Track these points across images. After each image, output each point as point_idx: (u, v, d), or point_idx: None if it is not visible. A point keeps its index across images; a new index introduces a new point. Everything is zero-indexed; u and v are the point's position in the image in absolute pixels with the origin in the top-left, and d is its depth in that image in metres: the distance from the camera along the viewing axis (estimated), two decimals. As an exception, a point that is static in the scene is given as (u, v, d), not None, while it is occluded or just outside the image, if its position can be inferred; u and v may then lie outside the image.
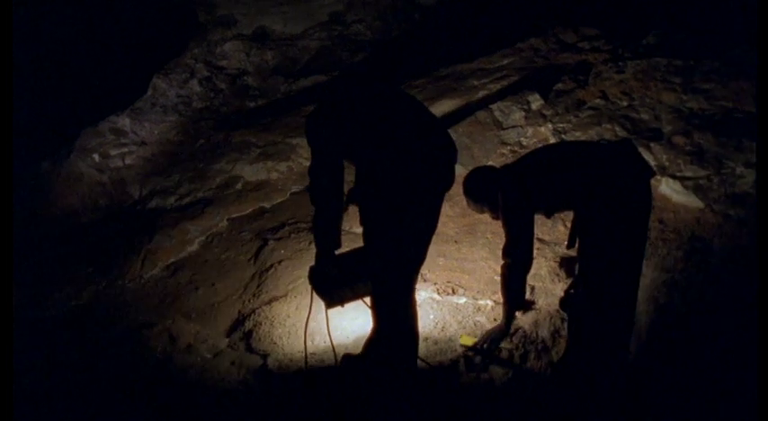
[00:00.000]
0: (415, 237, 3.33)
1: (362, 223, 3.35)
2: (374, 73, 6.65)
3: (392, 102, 3.39)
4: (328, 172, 3.28)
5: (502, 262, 3.59)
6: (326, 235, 3.40)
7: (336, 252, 3.47)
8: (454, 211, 5.00)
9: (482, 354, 3.74)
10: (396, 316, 3.40)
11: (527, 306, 3.94)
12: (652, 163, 4.57)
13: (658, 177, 4.48)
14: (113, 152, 6.12)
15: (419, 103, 3.47)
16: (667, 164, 4.57)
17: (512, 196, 3.48)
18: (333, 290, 3.44)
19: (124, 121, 6.30)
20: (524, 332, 3.87)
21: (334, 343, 3.72)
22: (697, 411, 3.14)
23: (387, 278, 3.35)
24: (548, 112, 5.40)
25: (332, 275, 3.43)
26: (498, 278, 3.69)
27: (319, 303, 3.52)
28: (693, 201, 4.33)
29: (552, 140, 5.16)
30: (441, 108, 5.87)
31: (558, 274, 4.31)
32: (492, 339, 3.76)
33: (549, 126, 5.28)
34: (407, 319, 3.43)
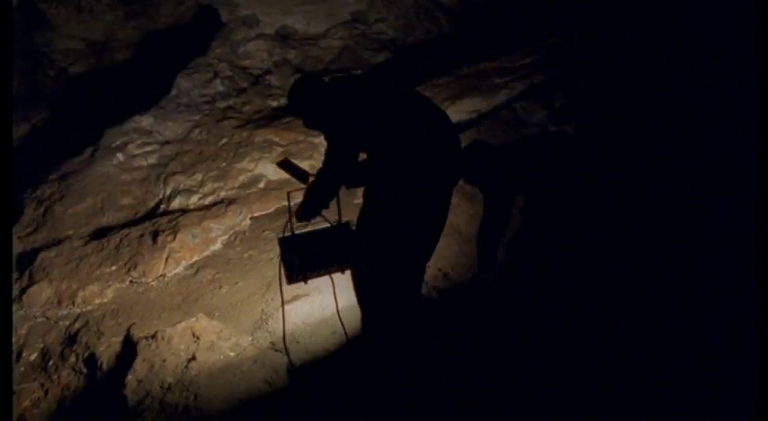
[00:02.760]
0: (424, 230, 3.36)
1: (367, 212, 3.38)
2: (394, 70, 6.65)
3: (409, 98, 3.43)
4: (352, 162, 3.30)
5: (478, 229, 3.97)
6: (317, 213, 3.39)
7: (306, 230, 3.60)
8: (476, 210, 4.98)
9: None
10: (396, 312, 3.45)
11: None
12: (675, 161, 4.55)
13: (683, 177, 4.46)
14: (137, 151, 6.17)
15: (431, 101, 3.50)
16: (693, 163, 4.53)
17: (495, 177, 3.81)
18: (300, 267, 3.44)
19: (148, 121, 6.35)
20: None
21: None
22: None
23: (388, 269, 3.37)
24: (571, 111, 5.37)
25: (303, 252, 3.46)
26: None
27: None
28: (717, 201, 4.29)
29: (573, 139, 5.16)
30: (464, 106, 5.86)
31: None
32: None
33: (573, 124, 5.25)
34: (407, 315, 3.49)
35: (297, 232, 3.66)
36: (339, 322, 3.82)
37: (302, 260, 3.44)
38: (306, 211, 3.37)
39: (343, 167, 3.29)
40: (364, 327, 3.59)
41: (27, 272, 5.01)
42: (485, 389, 3.44)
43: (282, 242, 3.62)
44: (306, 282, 3.52)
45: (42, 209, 5.65)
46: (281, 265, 3.59)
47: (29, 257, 5.19)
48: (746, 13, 4.97)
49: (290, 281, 3.54)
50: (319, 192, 3.35)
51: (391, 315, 3.45)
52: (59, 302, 4.83)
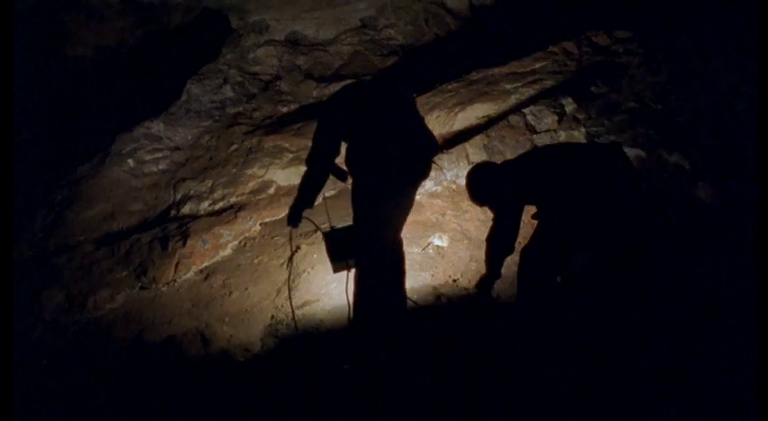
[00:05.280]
0: (390, 214, 3.96)
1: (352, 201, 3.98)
2: (403, 76, 6.65)
3: (390, 101, 3.93)
4: (332, 151, 3.92)
5: (485, 244, 4.01)
6: (309, 197, 4.02)
7: (341, 226, 4.19)
8: (486, 216, 4.98)
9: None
10: (377, 280, 3.98)
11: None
12: (687, 167, 4.52)
13: (694, 181, 4.43)
14: (148, 157, 6.18)
15: (411, 104, 4.04)
16: (703, 167, 4.51)
17: (505, 194, 3.87)
18: (341, 257, 4.09)
19: (158, 127, 6.37)
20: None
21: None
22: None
23: (368, 246, 3.96)
24: (581, 116, 5.35)
25: (341, 245, 4.10)
26: None
27: None
28: (729, 205, 4.26)
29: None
30: (473, 112, 5.85)
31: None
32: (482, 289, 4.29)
33: (583, 130, 5.23)
34: (388, 283, 4.02)
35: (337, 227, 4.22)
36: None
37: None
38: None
39: (323, 156, 3.90)
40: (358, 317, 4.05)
41: (38, 277, 5.03)
42: (478, 390, 3.45)
43: (328, 236, 4.18)
44: (350, 270, 4.10)
45: (53, 214, 5.67)
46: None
47: (40, 262, 5.21)
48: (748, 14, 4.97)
49: (336, 269, 4.18)
50: (305, 175, 3.98)
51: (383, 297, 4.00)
52: (70, 307, 4.85)
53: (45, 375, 4.34)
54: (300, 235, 5.39)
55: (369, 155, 3.80)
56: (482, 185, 4.03)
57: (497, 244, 3.94)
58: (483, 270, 4.31)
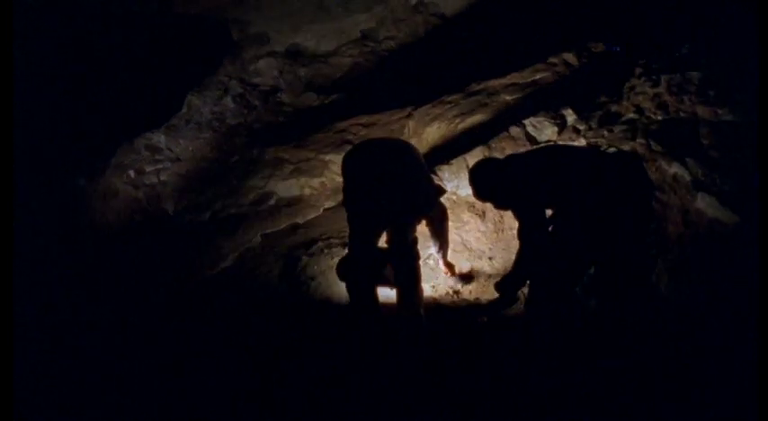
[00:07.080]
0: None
1: None
2: (404, 89, 6.67)
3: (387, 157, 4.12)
4: None
5: (517, 240, 3.92)
6: None
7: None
8: (487, 227, 4.98)
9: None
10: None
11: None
12: (687, 178, 4.51)
13: (694, 192, 4.43)
14: (149, 169, 6.19)
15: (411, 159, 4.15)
16: (703, 178, 4.50)
17: (513, 187, 3.82)
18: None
19: (159, 138, 6.38)
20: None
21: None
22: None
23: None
24: (581, 127, 5.36)
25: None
26: None
27: None
28: (729, 216, 4.25)
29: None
30: (473, 123, 5.86)
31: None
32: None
33: (583, 141, 5.24)
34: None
35: None
36: None
37: None
38: None
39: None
40: None
41: (37, 286, 5.03)
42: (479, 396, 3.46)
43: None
44: None
45: (53, 225, 5.68)
46: None
47: (40, 271, 5.21)
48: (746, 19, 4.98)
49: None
50: None
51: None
52: (69, 318, 4.85)
53: (43, 377, 4.33)
54: (301, 246, 5.40)
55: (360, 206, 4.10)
56: (486, 179, 4.00)
57: (527, 237, 3.87)
58: (484, 279, 4.32)
